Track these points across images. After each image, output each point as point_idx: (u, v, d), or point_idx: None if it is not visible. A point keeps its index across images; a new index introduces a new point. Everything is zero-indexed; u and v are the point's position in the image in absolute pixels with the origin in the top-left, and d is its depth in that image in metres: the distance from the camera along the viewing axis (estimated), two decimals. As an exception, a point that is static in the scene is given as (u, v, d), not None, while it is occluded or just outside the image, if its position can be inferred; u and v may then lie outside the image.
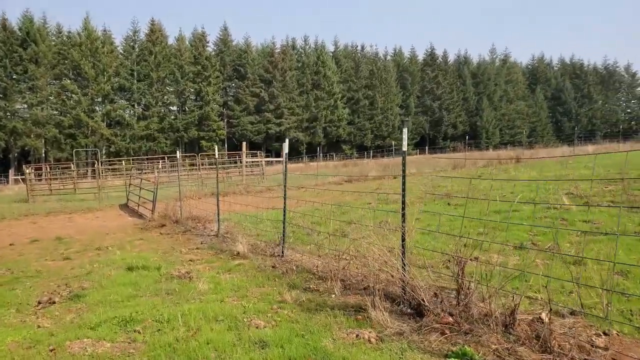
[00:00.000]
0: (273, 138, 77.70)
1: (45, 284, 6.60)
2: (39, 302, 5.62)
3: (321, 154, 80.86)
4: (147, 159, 44.27)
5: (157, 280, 6.22)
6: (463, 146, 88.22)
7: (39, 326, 4.77)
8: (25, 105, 61.66)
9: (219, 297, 5.18)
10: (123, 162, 28.76)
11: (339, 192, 14.96)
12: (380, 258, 4.34)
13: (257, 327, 4.09)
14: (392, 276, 4.22)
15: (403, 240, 4.16)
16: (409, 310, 4.00)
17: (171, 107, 73.57)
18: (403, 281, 4.05)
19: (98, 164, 20.67)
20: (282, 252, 6.94)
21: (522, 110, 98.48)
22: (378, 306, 3.89)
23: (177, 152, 12.82)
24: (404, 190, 4.20)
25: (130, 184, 17.90)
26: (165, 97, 70.92)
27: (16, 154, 61.29)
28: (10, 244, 10.82)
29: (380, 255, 4.35)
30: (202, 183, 21.89)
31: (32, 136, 59.47)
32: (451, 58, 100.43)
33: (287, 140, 7.34)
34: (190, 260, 7.41)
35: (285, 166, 7.33)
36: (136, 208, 16.32)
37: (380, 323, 3.77)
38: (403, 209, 4.19)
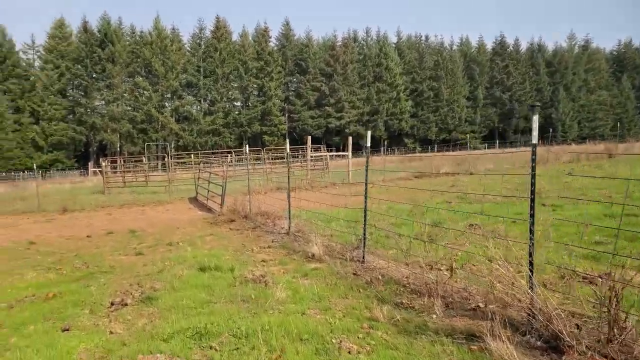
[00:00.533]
0: (333, 132, 77.26)
1: (118, 282, 6.41)
2: (112, 304, 5.37)
3: (382, 148, 79.36)
4: (213, 153, 45.30)
5: (230, 283, 5.81)
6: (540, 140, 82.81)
7: (111, 332, 4.47)
8: (103, 102, 65.37)
9: (300, 308, 4.66)
10: (192, 155, 29.39)
11: (410, 189, 14.12)
12: (503, 276, 3.58)
13: (349, 352, 3.51)
14: (519, 300, 3.45)
15: (531, 255, 3.39)
16: (539, 344, 3.23)
17: (235, 103, 75.14)
18: (532, 306, 3.29)
19: (168, 158, 21.05)
20: (363, 257, 6.32)
21: (605, 100, 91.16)
22: (499, 335, 3.17)
23: (245, 146, 12.55)
24: (533, 193, 3.41)
25: (199, 178, 18.03)
26: (230, 92, 72.51)
27: (95, 148, 65.16)
28: (88, 236, 11.00)
29: (502, 272, 3.58)
30: (267, 177, 21.76)
31: (108, 131, 62.96)
32: (523, 46, 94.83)
33: (369, 133, 6.67)
34: (263, 261, 6.99)
35: (367, 161, 6.70)
36: (205, 202, 16.37)
37: (503, 358, 3.05)
38: (532, 215, 3.40)
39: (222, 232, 10.11)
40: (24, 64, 63.98)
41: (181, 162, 40.13)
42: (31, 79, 61.95)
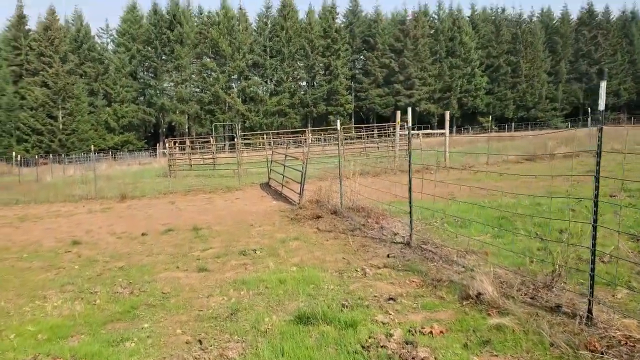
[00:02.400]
0: (402, 111, 73.19)
1: (168, 333, 4.07)
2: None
3: (454, 127, 74.19)
4: (283, 133, 43.42)
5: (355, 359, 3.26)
6: (627, 118, 74.72)
7: None
8: (172, 84, 65.66)
9: None
10: (264, 135, 27.45)
11: (531, 177, 10.95)
12: None
13: None
14: None
15: None
16: None
17: (301, 83, 73.13)
18: None
19: (237, 139, 19.00)
20: (590, 312, 3.50)
21: None
22: None
23: (337, 122, 9.92)
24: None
25: (271, 161, 15.75)
26: (296, 72, 70.51)
27: (164, 129, 65.78)
28: (143, 234, 8.95)
29: None
30: (345, 159, 19.19)
31: (177, 112, 63.22)
32: (614, 14, 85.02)
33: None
34: (391, 299, 4.37)
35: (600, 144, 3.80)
36: (279, 189, 14.07)
37: None
38: None
39: (310, 235, 7.61)
40: (99, 47, 65.35)
41: (248, 143, 38.55)
42: (105, 62, 63.13)
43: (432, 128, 68.96)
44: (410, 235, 6.13)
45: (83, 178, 20.22)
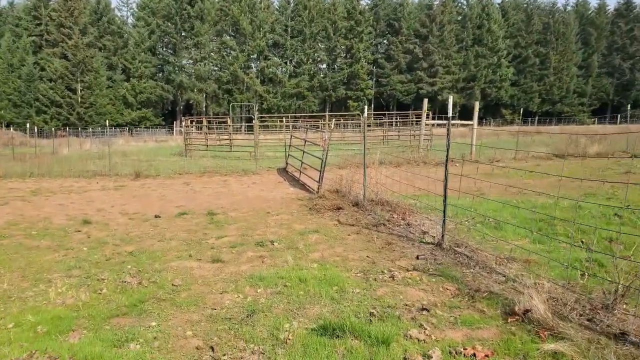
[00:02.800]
0: (423, 99, 71.87)
1: (179, 332, 3.70)
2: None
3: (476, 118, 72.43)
4: (302, 116, 42.80)
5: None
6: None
7: None
8: (191, 61, 65.20)
9: None
10: (283, 118, 26.85)
11: (557, 176, 10.35)
12: None
13: None
14: None
15: None
16: None
17: (321, 65, 72.11)
18: None
19: (255, 120, 18.54)
20: (665, 344, 3.03)
21: None
22: None
23: (365, 108, 9.35)
24: None
25: (289, 145, 15.29)
26: (316, 54, 69.39)
27: (181, 107, 65.61)
28: (156, 216, 8.61)
29: None
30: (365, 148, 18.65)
31: (195, 90, 62.88)
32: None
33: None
34: (425, 310, 3.92)
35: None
36: (297, 175, 13.63)
37: None
38: None
39: (330, 228, 7.16)
40: (118, 21, 65.04)
41: (265, 126, 38.09)
42: (124, 36, 62.85)
43: (454, 119, 67.60)
44: (443, 235, 5.63)
45: (99, 153, 20.04)
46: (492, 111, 75.11)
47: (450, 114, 5.64)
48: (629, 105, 72.67)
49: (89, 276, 5.12)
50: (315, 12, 67.93)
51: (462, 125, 22.44)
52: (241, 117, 63.74)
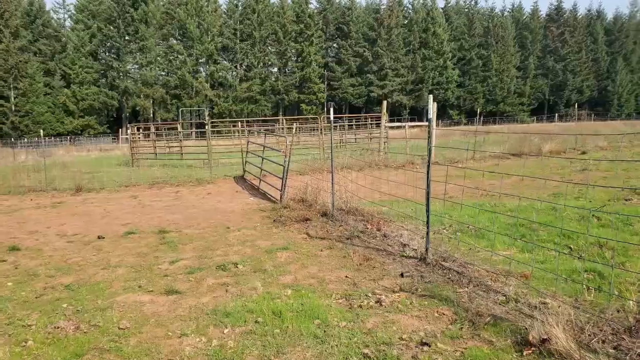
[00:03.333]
0: (374, 102, 72.75)
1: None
2: None
3: (424, 120, 74.31)
4: (255, 121, 41.76)
5: None
6: (587, 114, 77.13)
7: None
8: (136, 66, 62.60)
9: None
10: (239, 123, 25.68)
11: (533, 178, 10.19)
12: None
13: None
14: None
15: None
16: None
17: (272, 69, 71.33)
18: None
19: (208, 125, 17.56)
20: None
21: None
22: None
23: (331, 109, 8.70)
24: None
25: (247, 151, 14.43)
26: (267, 57, 68.55)
27: (127, 114, 62.80)
28: (99, 237, 7.62)
29: None
30: (325, 152, 18.08)
31: (141, 96, 60.39)
32: (581, 12, 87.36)
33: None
34: (425, 344, 3.33)
35: None
36: (256, 183, 12.84)
37: None
38: None
39: (299, 243, 6.47)
40: (55, 24, 61.39)
41: (217, 131, 36.81)
42: (62, 40, 59.39)
43: (403, 120, 68.65)
44: (427, 249, 5.08)
45: (35, 165, 18.36)
46: (439, 112, 76.88)
47: (431, 115, 5.12)
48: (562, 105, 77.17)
49: (11, 322, 4.18)
50: (264, 15, 67.12)
51: (417, 126, 22.28)
52: (191, 122, 61.89)
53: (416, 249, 5.43)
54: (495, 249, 5.28)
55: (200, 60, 65.55)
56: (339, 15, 74.73)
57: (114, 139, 54.96)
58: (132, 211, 10.16)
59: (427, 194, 5.06)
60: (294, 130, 12.25)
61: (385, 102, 17.86)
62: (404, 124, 20.17)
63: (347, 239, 6.37)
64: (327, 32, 73.85)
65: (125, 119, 61.85)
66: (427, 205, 5.07)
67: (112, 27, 59.27)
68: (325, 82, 72.92)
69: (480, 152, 16.00)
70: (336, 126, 32.31)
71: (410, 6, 78.95)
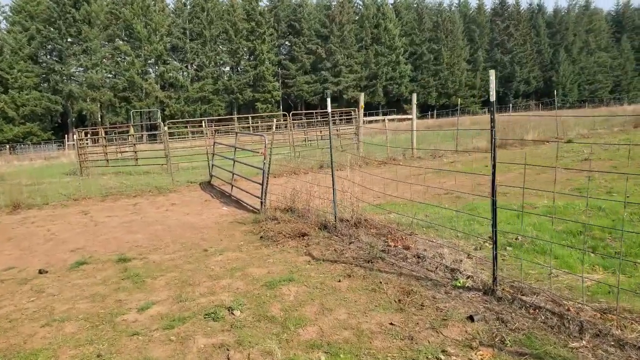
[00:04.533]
0: (330, 98, 71.81)
1: None
2: None
3: (380, 114, 74.47)
4: (218, 120, 39.62)
5: None
6: (535, 104, 79.96)
7: None
8: (80, 69, 58.87)
9: None
10: (202, 123, 23.57)
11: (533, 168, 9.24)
12: None
13: None
14: None
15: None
16: None
17: (225, 68, 69.11)
18: None
19: (164, 127, 15.78)
20: None
21: (605, 62, 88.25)
22: None
23: (328, 100, 7.30)
24: None
25: (214, 154, 12.80)
26: (219, 56, 66.25)
27: (73, 119, 58.91)
28: (41, 271, 5.95)
29: None
30: (295, 151, 16.67)
31: (87, 100, 56.81)
32: (523, 6, 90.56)
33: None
34: None
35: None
36: (227, 189, 11.30)
37: None
38: None
39: (305, 269, 5.07)
40: (-11, 26, 56.63)
41: (170, 133, 34.59)
42: (-2, 43, 54.89)
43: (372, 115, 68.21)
44: (495, 277, 3.82)
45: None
46: (394, 107, 77.25)
47: (493, 97, 3.87)
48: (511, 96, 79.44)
49: None
50: (214, 14, 64.83)
51: (401, 119, 21.31)
52: (141, 125, 58.67)
53: (472, 276, 4.16)
54: (574, 270, 4.11)
55: (149, 61, 62.51)
56: (290, 12, 73.45)
57: (60, 146, 51.35)
58: (82, 231, 8.44)
59: (493, 202, 3.79)
60: (273, 127, 10.74)
61: (362, 95, 16.65)
62: (382, 117, 19.01)
63: (367, 262, 5.03)
64: (279, 30, 72.36)
65: (72, 124, 57.96)
66: (494, 217, 3.80)
67: (52, 29, 55.28)
68: (280, 80, 71.46)
69: (462, 144, 15.11)
70: (295, 124, 30.92)
71: (360, 2, 78.78)
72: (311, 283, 4.64)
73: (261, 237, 6.72)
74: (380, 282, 4.39)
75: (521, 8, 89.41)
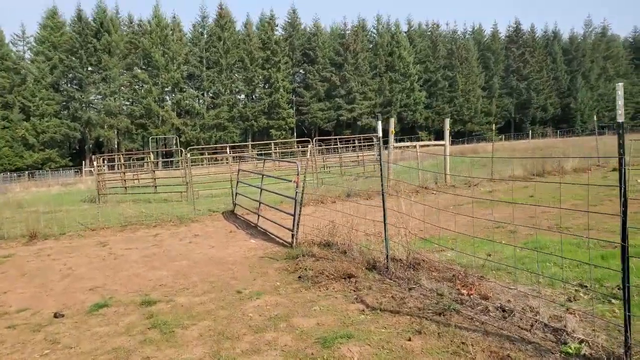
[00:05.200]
0: (344, 125, 71.90)
1: None
2: None
3: (396, 141, 73.65)
4: (217, 147, 39.43)
5: None
6: (553, 131, 79.07)
7: None
8: (99, 96, 59.90)
9: None
10: (227, 148, 23.10)
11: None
12: None
13: None
14: None
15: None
16: None
17: (240, 96, 69.64)
18: None
19: (186, 152, 15.31)
20: None
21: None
22: None
23: (379, 122, 6.59)
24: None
25: (238, 181, 12.19)
26: (234, 84, 66.86)
27: (91, 145, 59.45)
28: (56, 315, 5.29)
29: None
30: (318, 178, 16.02)
31: (105, 127, 57.45)
32: (538, 33, 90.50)
33: None
34: None
35: None
36: (252, 219, 10.63)
37: None
38: None
39: (362, 322, 4.32)
40: (14, 56, 57.89)
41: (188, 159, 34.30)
42: (21, 72, 55.99)
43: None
44: (629, 346, 3.02)
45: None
46: (408, 134, 76.87)
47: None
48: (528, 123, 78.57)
49: None
50: (230, 43, 65.75)
51: (435, 145, 20.63)
52: (157, 151, 58.88)
53: (587, 340, 3.36)
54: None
55: (166, 89, 63.33)
56: (305, 41, 74.26)
57: (77, 172, 51.61)
58: (101, 266, 7.79)
59: (624, 248, 3.02)
60: (308, 152, 10.13)
61: (393, 120, 16.02)
62: (414, 143, 18.37)
63: (438, 314, 4.25)
64: (294, 58, 73.03)
65: (89, 150, 58.48)
66: (625, 269, 3.03)
67: (74, 58, 56.48)
68: (294, 107, 71.72)
69: (498, 172, 14.33)
70: (334, 148, 29.67)
71: (374, 30, 79.46)
72: (374, 341, 3.87)
73: (299, 277, 5.98)
74: (463, 343, 3.61)
75: (536, 35, 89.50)
